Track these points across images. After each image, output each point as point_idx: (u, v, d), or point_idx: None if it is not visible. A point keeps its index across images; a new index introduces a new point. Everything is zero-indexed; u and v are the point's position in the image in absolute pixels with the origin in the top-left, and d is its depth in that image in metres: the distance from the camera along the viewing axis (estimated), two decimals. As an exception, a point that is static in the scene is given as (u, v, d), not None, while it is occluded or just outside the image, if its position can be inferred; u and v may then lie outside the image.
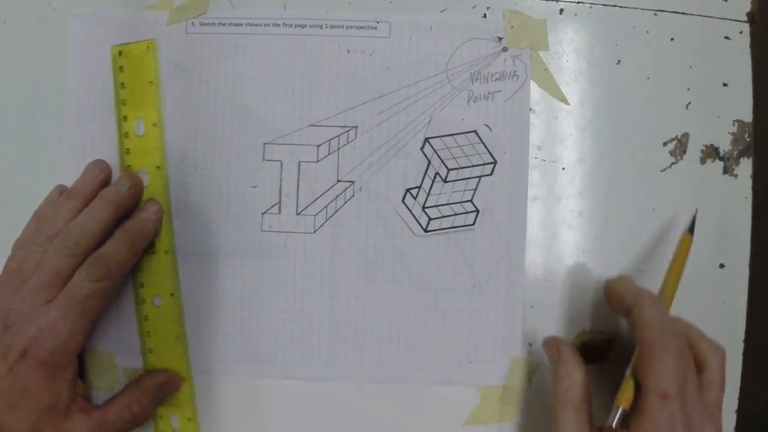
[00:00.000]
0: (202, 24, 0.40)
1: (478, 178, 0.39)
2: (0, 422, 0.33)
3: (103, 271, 0.35)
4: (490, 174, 0.40)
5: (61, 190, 0.39)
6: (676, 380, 0.32)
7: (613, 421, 0.33)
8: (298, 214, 0.39)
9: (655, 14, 0.41)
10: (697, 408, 0.32)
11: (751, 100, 0.41)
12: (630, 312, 0.35)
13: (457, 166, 0.39)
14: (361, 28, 0.40)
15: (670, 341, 0.33)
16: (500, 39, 0.40)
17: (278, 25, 0.40)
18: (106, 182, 0.39)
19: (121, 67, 0.40)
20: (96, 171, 0.39)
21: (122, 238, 0.37)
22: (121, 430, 0.36)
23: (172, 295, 0.39)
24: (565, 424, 0.34)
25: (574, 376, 0.35)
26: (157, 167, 0.39)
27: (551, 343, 0.37)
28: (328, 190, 0.39)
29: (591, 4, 0.41)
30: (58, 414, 0.34)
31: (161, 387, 0.38)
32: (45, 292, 0.34)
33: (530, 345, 0.39)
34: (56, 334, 0.33)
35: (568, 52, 0.40)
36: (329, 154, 0.40)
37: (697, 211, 0.38)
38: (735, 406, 0.40)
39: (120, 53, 0.40)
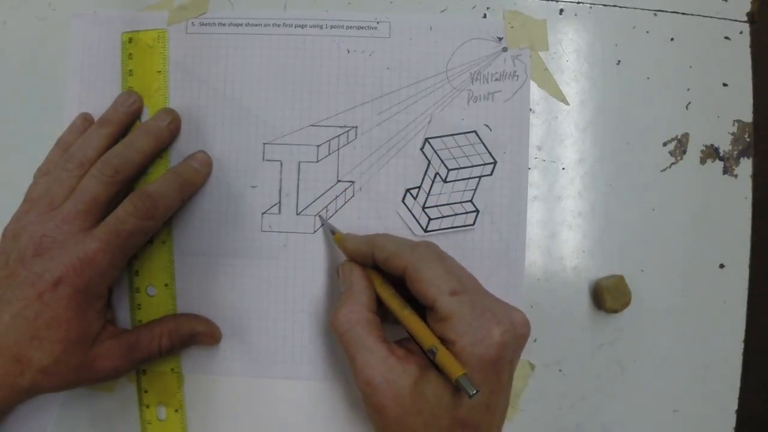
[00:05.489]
0: (202, 24, 0.40)
1: (478, 178, 0.39)
2: (19, 352, 0.31)
3: (152, 209, 0.34)
4: (490, 174, 0.40)
5: (85, 117, 0.39)
6: (453, 276, 0.31)
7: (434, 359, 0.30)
8: (298, 214, 0.39)
9: (655, 14, 0.41)
10: (489, 300, 0.32)
11: (751, 100, 0.41)
12: (374, 256, 0.34)
13: (457, 167, 0.39)
14: (361, 28, 0.40)
15: (423, 250, 0.32)
16: (500, 39, 0.40)
17: (278, 25, 0.40)
18: (137, 113, 0.39)
19: (130, 54, 0.40)
20: (129, 101, 0.38)
21: (173, 180, 0.36)
22: (148, 358, 0.36)
23: (166, 285, 0.39)
24: (357, 342, 0.31)
25: (360, 299, 0.33)
26: (161, 158, 0.39)
27: (345, 268, 0.35)
28: (328, 190, 0.39)
29: (591, 4, 0.41)
30: (85, 344, 0.33)
31: (196, 335, 0.37)
32: (81, 219, 0.33)
33: (535, 340, 0.39)
34: (95, 266, 0.32)
35: (568, 52, 0.40)
36: (329, 154, 0.40)
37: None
38: (735, 406, 0.40)
39: (130, 40, 0.40)
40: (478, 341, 0.30)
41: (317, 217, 0.39)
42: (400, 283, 0.33)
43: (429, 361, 0.31)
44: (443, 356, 0.30)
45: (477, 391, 0.28)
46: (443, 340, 0.31)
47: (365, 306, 0.33)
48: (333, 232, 0.38)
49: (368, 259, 0.34)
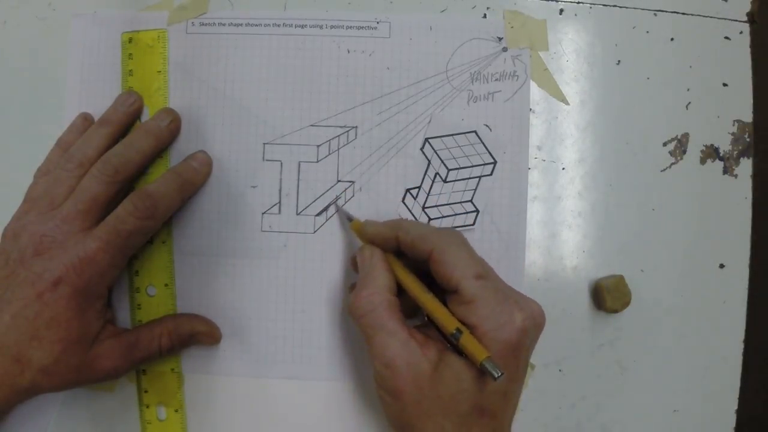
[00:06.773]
0: (202, 24, 0.40)
1: (478, 179, 0.39)
2: (18, 352, 0.31)
3: (152, 209, 0.34)
4: (490, 174, 0.40)
5: (85, 117, 0.39)
6: (477, 262, 0.32)
7: (459, 343, 0.31)
8: (298, 214, 0.39)
9: (655, 14, 0.41)
10: (508, 288, 0.32)
11: (751, 100, 0.41)
12: (398, 239, 0.33)
13: (457, 167, 0.39)
14: (361, 28, 0.40)
15: (449, 235, 0.33)
16: (500, 39, 0.40)
17: (278, 25, 0.40)
18: (137, 113, 0.39)
19: (130, 55, 0.40)
20: (129, 101, 0.38)
21: (173, 180, 0.36)
22: (148, 358, 0.36)
23: (166, 285, 0.39)
24: (378, 324, 0.31)
25: (382, 282, 0.33)
26: (161, 158, 0.39)
27: (364, 253, 0.35)
28: (328, 190, 0.39)
29: (591, 4, 0.41)
30: (85, 344, 0.33)
31: (196, 335, 0.37)
32: (81, 219, 0.33)
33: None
34: (95, 265, 0.32)
35: (568, 52, 0.40)
36: (329, 154, 0.40)
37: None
38: (735, 406, 0.40)
39: (130, 40, 0.40)
40: (500, 326, 0.30)
41: (333, 204, 0.39)
42: (418, 270, 0.34)
43: (448, 347, 0.31)
44: (467, 339, 0.30)
45: (502, 374, 0.29)
46: (465, 325, 0.31)
47: (387, 288, 0.33)
48: (349, 219, 0.38)
49: (390, 242, 0.34)
